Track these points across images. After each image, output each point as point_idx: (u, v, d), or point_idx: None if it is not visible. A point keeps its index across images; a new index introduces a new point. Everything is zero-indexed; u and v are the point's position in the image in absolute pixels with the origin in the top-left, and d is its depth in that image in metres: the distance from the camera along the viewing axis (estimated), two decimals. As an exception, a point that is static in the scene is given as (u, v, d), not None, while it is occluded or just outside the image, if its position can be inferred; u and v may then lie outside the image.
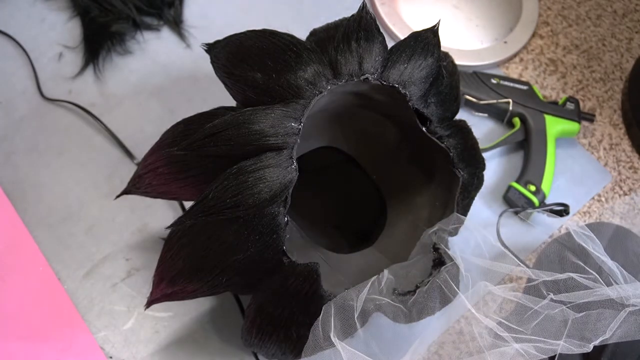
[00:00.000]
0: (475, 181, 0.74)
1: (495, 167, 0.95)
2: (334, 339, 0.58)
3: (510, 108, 0.96)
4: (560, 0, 1.12)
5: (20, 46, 0.97)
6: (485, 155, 0.81)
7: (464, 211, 0.75)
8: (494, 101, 0.97)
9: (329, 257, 0.76)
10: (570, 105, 0.97)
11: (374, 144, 0.82)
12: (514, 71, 1.05)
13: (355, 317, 0.61)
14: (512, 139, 0.95)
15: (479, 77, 0.98)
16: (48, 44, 0.98)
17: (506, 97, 0.96)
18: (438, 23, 0.72)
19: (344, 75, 0.65)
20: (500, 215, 0.81)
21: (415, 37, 0.70)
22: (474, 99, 0.97)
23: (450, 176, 0.72)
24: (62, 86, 0.95)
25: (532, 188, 0.90)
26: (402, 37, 1.03)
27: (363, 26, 0.66)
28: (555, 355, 0.62)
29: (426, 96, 0.69)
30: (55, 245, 0.84)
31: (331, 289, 0.65)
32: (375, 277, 0.66)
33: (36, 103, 0.93)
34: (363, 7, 0.68)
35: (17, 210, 0.85)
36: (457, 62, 0.81)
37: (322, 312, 0.61)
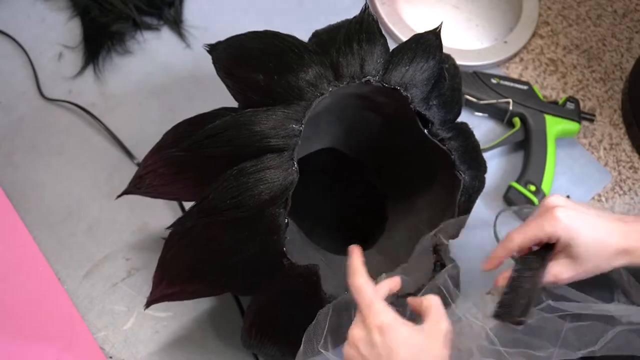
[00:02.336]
0: (476, 184, 0.74)
1: (495, 167, 0.95)
2: (322, 349, 0.58)
3: (510, 108, 0.96)
4: (561, 0, 1.12)
5: (20, 46, 0.97)
6: (485, 155, 0.81)
7: (465, 214, 0.74)
8: (494, 101, 0.97)
9: (329, 259, 0.76)
10: (570, 105, 0.97)
11: (375, 146, 0.82)
12: (514, 71, 1.05)
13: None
14: (512, 139, 0.95)
15: (479, 77, 0.98)
16: (48, 44, 0.98)
17: (506, 97, 0.96)
18: (440, 25, 0.72)
19: (346, 77, 0.65)
20: (497, 216, 0.81)
21: (417, 39, 0.70)
22: (474, 99, 0.97)
23: (452, 178, 0.72)
24: (62, 86, 0.95)
25: (532, 188, 0.90)
26: (402, 37, 1.03)
27: (365, 28, 0.66)
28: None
29: (428, 98, 0.69)
30: (55, 245, 0.84)
31: (332, 291, 0.65)
32: (375, 280, 0.66)
33: (36, 103, 0.93)
34: (365, 9, 0.67)
35: (17, 210, 0.85)
36: (458, 62, 0.81)
37: (315, 319, 0.61)
